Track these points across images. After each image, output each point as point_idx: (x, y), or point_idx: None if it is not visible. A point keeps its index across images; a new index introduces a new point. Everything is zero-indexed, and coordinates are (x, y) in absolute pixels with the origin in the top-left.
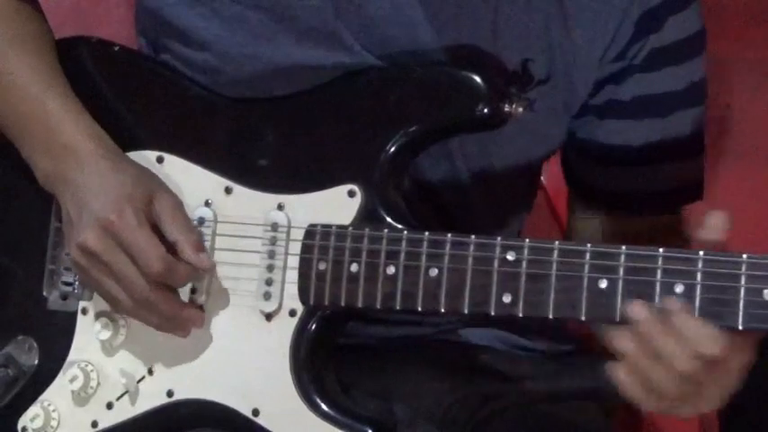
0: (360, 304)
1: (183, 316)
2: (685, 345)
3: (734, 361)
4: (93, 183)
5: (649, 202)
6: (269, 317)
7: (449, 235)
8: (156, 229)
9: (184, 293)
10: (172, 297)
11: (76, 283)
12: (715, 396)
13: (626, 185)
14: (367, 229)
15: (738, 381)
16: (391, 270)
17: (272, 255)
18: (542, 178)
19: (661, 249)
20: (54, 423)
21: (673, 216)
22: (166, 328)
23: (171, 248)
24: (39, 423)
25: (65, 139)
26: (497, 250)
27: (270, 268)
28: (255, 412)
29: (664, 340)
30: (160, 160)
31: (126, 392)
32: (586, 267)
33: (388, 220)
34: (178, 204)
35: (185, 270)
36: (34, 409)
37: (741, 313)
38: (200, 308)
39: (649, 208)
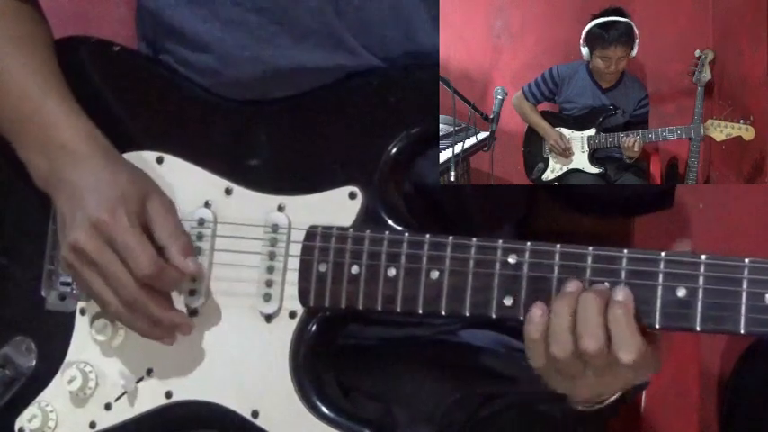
0: (360, 306)
1: (171, 319)
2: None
3: (643, 368)
4: (88, 183)
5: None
6: (269, 318)
7: (450, 237)
8: (148, 231)
9: (182, 295)
10: (160, 300)
11: (75, 283)
12: (604, 388)
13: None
14: (368, 231)
15: (632, 383)
16: (392, 272)
17: (272, 256)
18: None
19: (663, 253)
20: (52, 424)
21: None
22: (153, 334)
23: (161, 251)
24: (36, 423)
25: (61, 139)
26: (499, 253)
27: (270, 270)
28: (255, 414)
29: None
30: (160, 161)
31: (124, 393)
32: (588, 271)
33: (389, 222)
34: (170, 207)
35: (174, 274)
36: (32, 410)
37: (743, 318)
38: (196, 311)
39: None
